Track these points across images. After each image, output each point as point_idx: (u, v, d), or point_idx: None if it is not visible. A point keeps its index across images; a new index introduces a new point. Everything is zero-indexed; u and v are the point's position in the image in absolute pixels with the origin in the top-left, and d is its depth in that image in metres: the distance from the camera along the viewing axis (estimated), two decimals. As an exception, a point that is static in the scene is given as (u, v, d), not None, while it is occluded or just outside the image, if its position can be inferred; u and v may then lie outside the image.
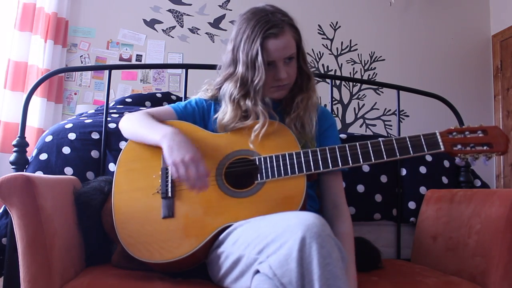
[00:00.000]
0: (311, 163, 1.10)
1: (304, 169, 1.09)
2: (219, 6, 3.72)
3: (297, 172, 1.09)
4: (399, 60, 3.85)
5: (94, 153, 1.48)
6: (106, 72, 2.16)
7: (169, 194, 1.11)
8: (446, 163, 1.74)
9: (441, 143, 1.07)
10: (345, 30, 3.84)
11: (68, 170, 1.42)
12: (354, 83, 3.79)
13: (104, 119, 1.52)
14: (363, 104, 3.78)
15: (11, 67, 3.14)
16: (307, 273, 0.83)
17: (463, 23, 3.98)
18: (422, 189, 1.66)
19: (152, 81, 3.58)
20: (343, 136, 1.72)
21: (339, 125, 3.64)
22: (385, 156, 1.08)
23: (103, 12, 3.56)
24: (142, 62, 3.56)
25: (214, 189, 1.10)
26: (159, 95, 2.33)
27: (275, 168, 1.10)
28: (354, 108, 3.78)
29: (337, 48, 3.83)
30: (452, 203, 1.45)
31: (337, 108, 3.76)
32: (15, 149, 1.44)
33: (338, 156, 1.10)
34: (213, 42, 3.68)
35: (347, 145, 1.11)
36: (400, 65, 3.82)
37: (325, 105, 3.10)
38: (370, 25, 3.86)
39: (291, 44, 1.16)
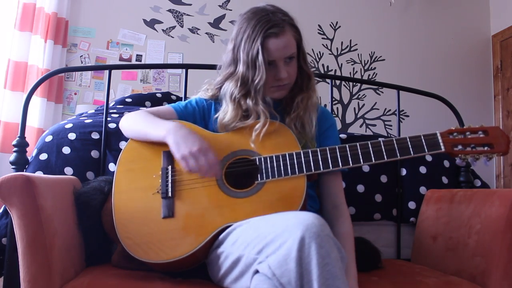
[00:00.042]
0: (312, 163, 1.10)
1: (304, 169, 1.09)
2: (219, 6, 3.72)
3: (297, 172, 1.09)
4: (399, 60, 3.85)
5: (94, 153, 1.48)
6: (106, 72, 2.17)
7: (169, 194, 1.11)
8: (446, 163, 1.74)
9: (441, 144, 1.07)
10: (345, 30, 3.84)
11: (68, 170, 1.42)
12: (354, 83, 3.79)
13: (104, 119, 1.52)
14: (363, 104, 3.78)
15: (11, 67, 3.13)
16: (306, 273, 0.82)
17: (463, 23, 3.98)
18: (422, 189, 1.66)
19: (152, 81, 3.58)
20: (343, 136, 1.72)
21: (339, 125, 3.64)
22: (385, 157, 1.08)
23: (103, 12, 3.56)
24: (142, 62, 3.56)
25: (214, 189, 1.10)
26: (159, 95, 2.33)
27: (275, 168, 1.10)
28: (354, 108, 3.77)
29: (337, 48, 3.83)
30: (452, 203, 1.45)
31: (337, 108, 3.76)
32: (15, 149, 1.44)
33: (339, 157, 1.10)
34: (213, 42, 3.67)
35: (347, 146, 1.10)
36: (400, 65, 3.82)
37: (325, 105, 3.10)
38: (370, 25, 3.86)
39: (292, 44, 1.16)
